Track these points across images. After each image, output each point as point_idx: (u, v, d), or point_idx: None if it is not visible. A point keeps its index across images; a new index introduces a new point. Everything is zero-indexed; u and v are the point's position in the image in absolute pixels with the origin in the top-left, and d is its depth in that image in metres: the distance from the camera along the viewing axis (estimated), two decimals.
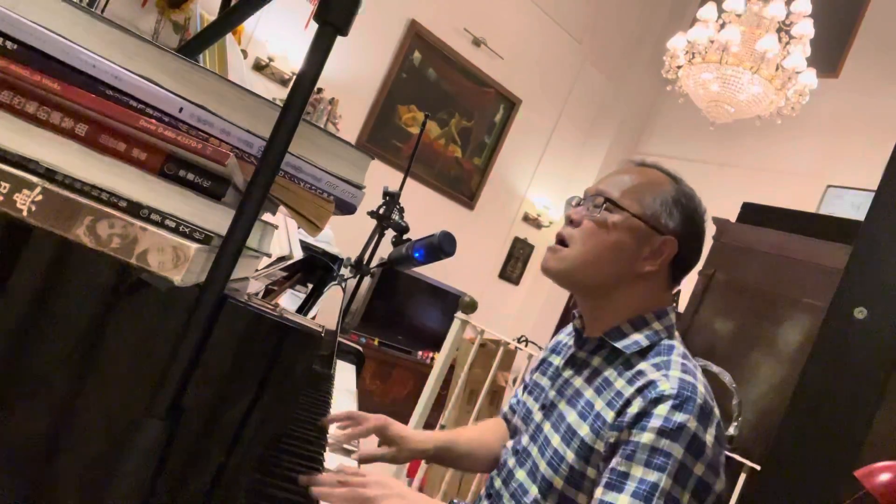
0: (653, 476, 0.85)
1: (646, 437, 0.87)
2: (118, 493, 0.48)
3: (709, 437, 0.88)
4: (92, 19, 0.54)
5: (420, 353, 4.99)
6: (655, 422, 0.87)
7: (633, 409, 0.90)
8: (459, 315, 2.76)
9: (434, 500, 0.94)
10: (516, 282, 5.81)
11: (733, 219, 2.80)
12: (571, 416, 1.00)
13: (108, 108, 0.51)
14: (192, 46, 0.78)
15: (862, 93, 4.75)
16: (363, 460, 1.13)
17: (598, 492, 0.88)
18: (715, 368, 2.29)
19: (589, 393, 1.00)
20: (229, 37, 1.12)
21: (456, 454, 1.24)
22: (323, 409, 1.21)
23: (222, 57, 1.09)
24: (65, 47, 0.52)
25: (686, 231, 1.03)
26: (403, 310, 4.92)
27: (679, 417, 0.87)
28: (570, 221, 1.05)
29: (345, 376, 1.56)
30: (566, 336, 1.18)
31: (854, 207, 4.50)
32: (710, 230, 2.78)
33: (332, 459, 1.04)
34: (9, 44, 0.51)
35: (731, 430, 2.17)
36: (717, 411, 0.92)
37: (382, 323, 4.76)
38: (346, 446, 1.14)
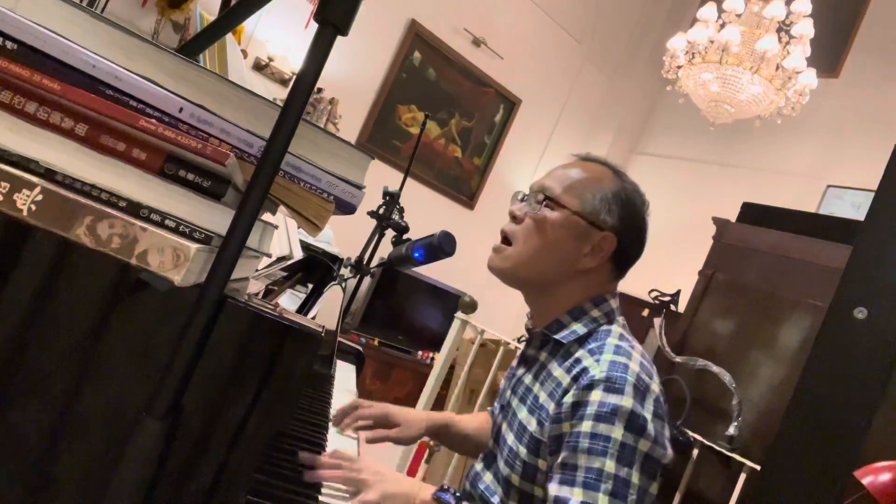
0: (597, 462, 0.86)
1: (584, 426, 0.88)
2: (118, 493, 0.48)
3: (647, 413, 0.89)
4: (92, 19, 0.54)
5: (420, 353, 4.99)
6: (591, 409, 0.89)
7: (569, 398, 0.91)
8: (459, 315, 2.76)
9: (425, 484, 0.96)
10: None
11: (733, 219, 2.80)
12: (522, 413, 1.02)
13: (108, 108, 0.51)
14: (192, 46, 0.78)
15: (862, 93, 4.74)
16: (370, 441, 1.19)
17: (552, 488, 0.89)
18: (715, 368, 2.29)
19: (536, 388, 1.02)
20: (229, 37, 1.12)
21: (453, 434, 1.31)
22: (323, 409, 1.21)
23: (222, 57, 1.09)
24: (65, 47, 0.52)
25: (626, 226, 1.04)
26: (403, 310, 4.91)
27: (612, 399, 0.88)
28: (514, 218, 1.07)
29: (345, 376, 1.55)
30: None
31: (854, 207, 4.50)
32: (710, 230, 2.78)
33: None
34: (9, 44, 0.51)
35: (731, 430, 2.17)
36: (654, 387, 0.93)
37: (382, 323, 4.75)
38: (348, 434, 1.19)
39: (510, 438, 1.02)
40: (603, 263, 1.04)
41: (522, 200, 1.10)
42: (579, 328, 1.01)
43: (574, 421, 0.90)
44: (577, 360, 0.96)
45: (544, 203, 1.04)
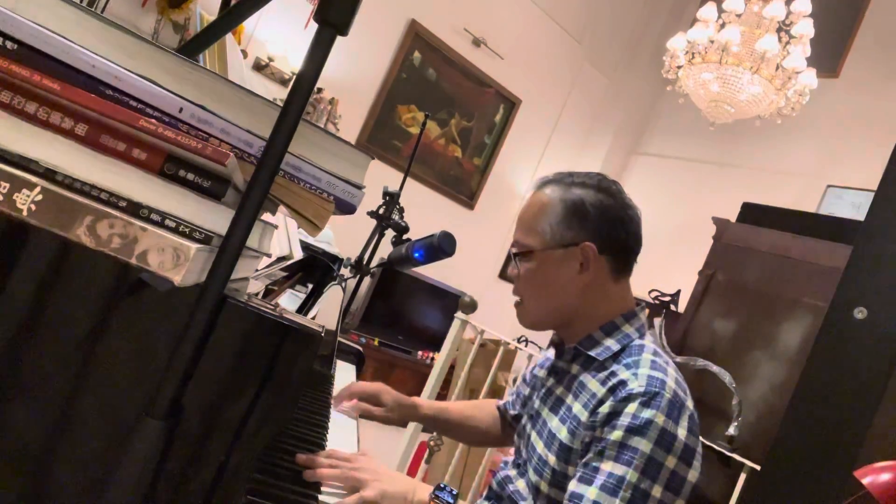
0: (620, 470, 0.88)
1: (615, 435, 0.90)
2: (118, 493, 0.48)
3: (680, 431, 0.91)
4: (92, 19, 0.54)
5: (420, 353, 4.99)
6: (624, 419, 0.91)
7: (605, 408, 0.93)
8: (459, 315, 2.76)
9: (422, 483, 0.97)
10: None
11: (733, 219, 2.80)
12: (553, 422, 1.04)
13: (108, 108, 0.51)
14: (192, 46, 0.78)
15: (862, 93, 4.74)
16: (362, 416, 1.22)
17: (572, 485, 0.92)
18: (715, 368, 2.29)
19: (568, 399, 1.04)
20: (229, 37, 1.12)
21: (447, 422, 1.35)
22: (323, 409, 1.21)
23: (222, 57, 1.09)
24: (65, 47, 0.52)
25: (595, 226, 1.04)
26: (403, 310, 4.92)
27: (646, 414, 0.90)
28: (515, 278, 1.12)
29: (345, 376, 1.55)
30: (550, 351, 1.23)
31: (854, 207, 4.50)
32: (710, 230, 2.78)
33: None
34: (9, 44, 0.51)
35: (731, 430, 2.17)
36: (689, 404, 0.95)
37: (382, 323, 4.76)
38: (342, 409, 1.23)
39: (539, 447, 1.04)
40: (599, 269, 1.05)
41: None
42: (613, 344, 1.03)
43: (606, 429, 0.92)
44: (613, 373, 0.98)
45: (518, 258, 1.09)
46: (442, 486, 0.95)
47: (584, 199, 1.05)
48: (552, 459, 1.00)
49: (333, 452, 0.95)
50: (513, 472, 1.13)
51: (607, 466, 0.89)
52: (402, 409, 1.27)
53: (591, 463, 0.91)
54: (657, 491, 0.88)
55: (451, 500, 0.93)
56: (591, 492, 0.88)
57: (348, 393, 1.25)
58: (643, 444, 0.89)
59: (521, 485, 1.08)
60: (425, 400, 1.36)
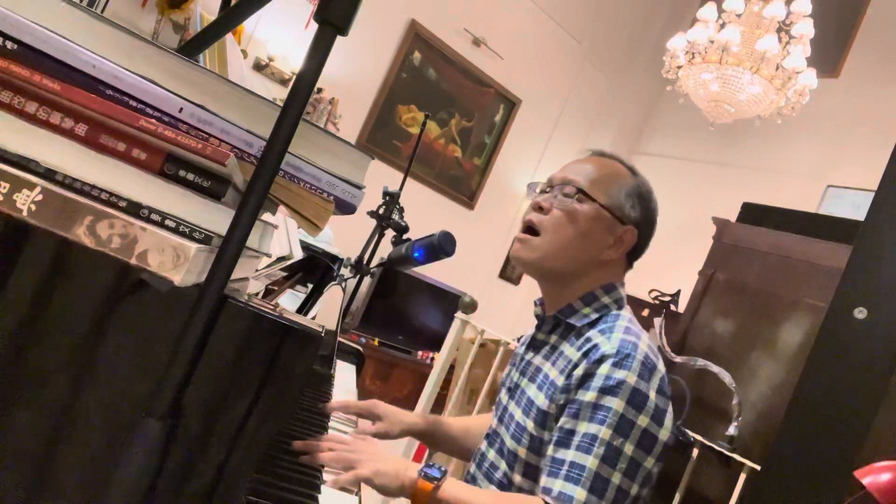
0: (593, 429, 0.90)
1: (589, 396, 0.93)
2: (118, 493, 0.47)
3: (651, 391, 0.93)
4: (92, 19, 0.54)
5: (420, 353, 4.98)
6: (597, 381, 0.93)
7: (579, 371, 0.95)
8: (459, 315, 2.76)
9: (413, 462, 0.97)
10: (516, 282, 5.80)
11: (733, 219, 2.80)
12: (531, 390, 1.05)
13: (108, 108, 0.51)
14: (192, 46, 0.78)
15: (862, 93, 4.74)
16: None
17: (550, 449, 0.94)
18: (715, 368, 2.29)
19: (546, 367, 1.05)
20: (229, 37, 1.12)
21: (448, 434, 1.29)
22: (323, 409, 1.21)
23: (222, 57, 1.09)
24: (65, 47, 0.52)
25: (644, 221, 1.10)
26: (403, 310, 4.91)
27: (619, 374, 0.92)
28: (539, 208, 1.08)
29: (345, 376, 1.55)
30: (530, 331, 1.23)
31: (854, 207, 4.50)
32: (710, 230, 2.78)
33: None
34: (9, 44, 0.51)
35: (731, 430, 2.17)
36: (660, 366, 0.98)
37: (382, 323, 4.75)
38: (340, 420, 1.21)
39: (518, 415, 1.06)
40: (621, 256, 1.09)
41: (543, 192, 1.11)
42: (591, 313, 1.05)
43: (581, 391, 0.94)
44: (588, 339, 1.00)
45: (575, 196, 1.06)
46: (430, 464, 0.97)
47: (650, 195, 1.11)
48: (530, 425, 1.01)
49: (333, 436, 0.98)
50: (483, 445, 1.14)
51: (582, 427, 0.91)
52: (398, 415, 1.20)
53: (566, 426, 0.93)
54: (629, 448, 0.90)
55: (439, 475, 0.94)
56: (568, 454, 0.91)
57: (339, 406, 1.18)
58: (615, 403, 0.91)
59: (491, 455, 1.09)
60: (417, 412, 1.32)
